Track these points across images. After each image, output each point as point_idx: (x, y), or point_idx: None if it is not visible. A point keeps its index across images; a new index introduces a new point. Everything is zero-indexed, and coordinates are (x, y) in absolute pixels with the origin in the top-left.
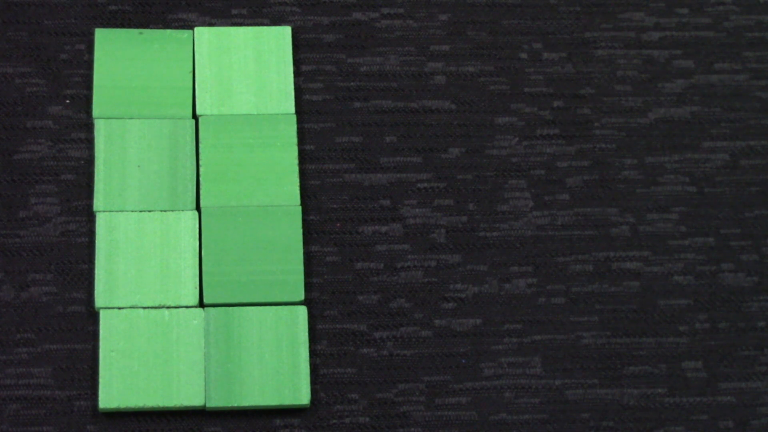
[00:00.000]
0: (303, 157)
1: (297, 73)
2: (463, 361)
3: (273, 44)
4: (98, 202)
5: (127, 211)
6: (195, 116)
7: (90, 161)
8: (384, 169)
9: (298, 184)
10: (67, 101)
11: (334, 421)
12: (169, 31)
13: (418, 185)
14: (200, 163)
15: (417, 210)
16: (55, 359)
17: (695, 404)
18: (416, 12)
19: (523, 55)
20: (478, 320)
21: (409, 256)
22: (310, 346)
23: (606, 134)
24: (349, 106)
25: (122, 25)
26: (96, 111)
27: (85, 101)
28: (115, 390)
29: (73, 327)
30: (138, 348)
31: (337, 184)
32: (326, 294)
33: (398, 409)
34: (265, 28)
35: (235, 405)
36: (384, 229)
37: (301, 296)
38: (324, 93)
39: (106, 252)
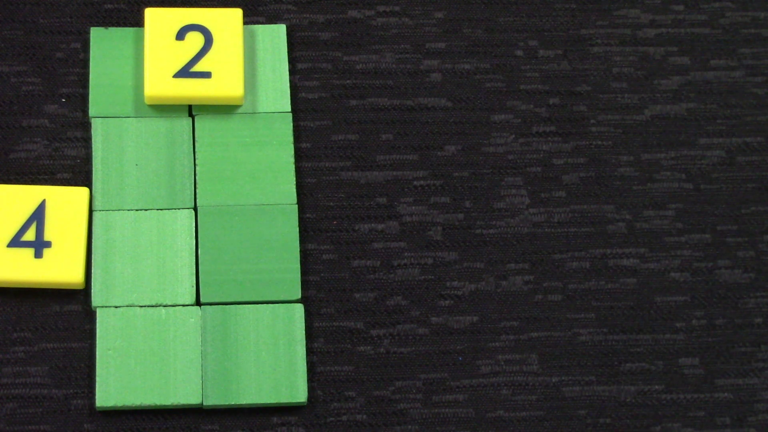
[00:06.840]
0: (299, 155)
1: (293, 71)
2: (460, 358)
3: (268, 42)
4: (96, 201)
5: (125, 210)
6: (191, 114)
7: (86, 160)
8: (380, 166)
9: (294, 182)
10: (63, 100)
11: (331, 418)
12: None
13: (415, 183)
14: (196, 162)
15: (413, 207)
16: (52, 358)
17: (692, 401)
18: (412, 9)
19: (519, 53)
20: (474, 317)
21: (406, 254)
22: (306, 344)
23: (602, 131)
24: (345, 104)
25: (118, 24)
26: (92, 110)
27: (80, 100)
28: (112, 388)
29: (69, 326)
30: (135, 346)
31: (333, 182)
32: (323, 292)
33: (395, 407)
34: (260, 26)
35: (232, 403)
36: (380, 226)
37: (298, 294)
38: (320, 91)
39: (103, 251)
